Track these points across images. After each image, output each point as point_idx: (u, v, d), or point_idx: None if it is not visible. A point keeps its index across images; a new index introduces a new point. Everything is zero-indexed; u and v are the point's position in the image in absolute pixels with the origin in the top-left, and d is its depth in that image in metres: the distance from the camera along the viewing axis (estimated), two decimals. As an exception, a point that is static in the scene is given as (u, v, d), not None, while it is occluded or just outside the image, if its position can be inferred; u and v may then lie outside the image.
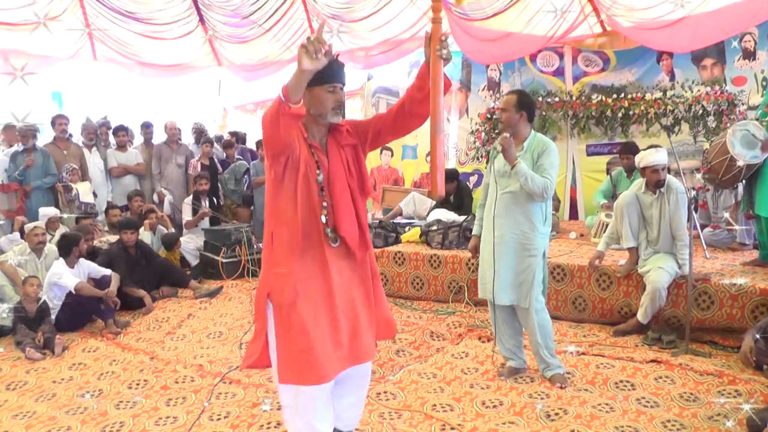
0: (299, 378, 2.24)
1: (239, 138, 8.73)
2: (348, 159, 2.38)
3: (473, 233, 3.70)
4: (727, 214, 4.98)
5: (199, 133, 8.24)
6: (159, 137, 7.78)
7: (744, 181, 4.53)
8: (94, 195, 6.80)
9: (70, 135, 7.09)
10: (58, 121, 6.85)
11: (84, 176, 6.78)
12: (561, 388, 3.35)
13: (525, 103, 3.37)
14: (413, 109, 2.35)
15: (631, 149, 5.38)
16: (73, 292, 4.72)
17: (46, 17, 7.39)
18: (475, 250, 3.64)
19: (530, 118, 3.41)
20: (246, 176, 7.50)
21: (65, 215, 6.24)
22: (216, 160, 7.74)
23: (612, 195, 5.61)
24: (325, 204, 2.32)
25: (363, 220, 2.40)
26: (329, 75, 2.26)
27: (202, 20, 8.42)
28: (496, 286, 3.38)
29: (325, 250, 2.31)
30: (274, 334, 2.31)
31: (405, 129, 2.47)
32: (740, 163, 4.23)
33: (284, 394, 2.33)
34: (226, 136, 8.71)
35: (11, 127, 6.94)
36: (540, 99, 7.05)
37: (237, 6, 8.02)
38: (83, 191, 6.56)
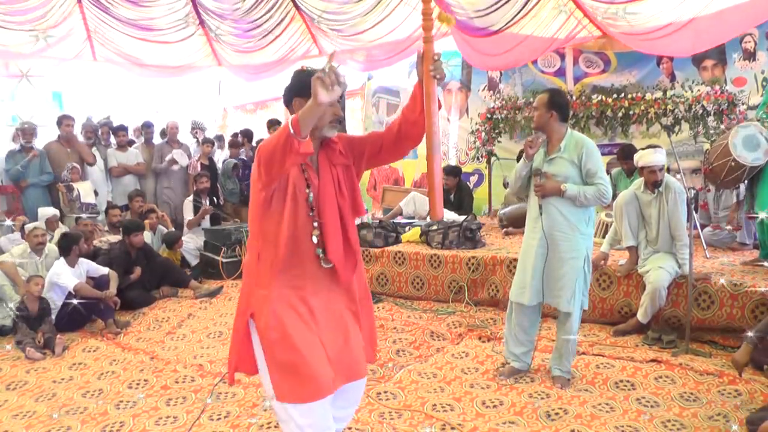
0: (297, 396, 2.14)
1: (249, 137, 8.59)
2: (339, 178, 2.25)
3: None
4: (740, 214, 4.95)
5: (196, 130, 8.21)
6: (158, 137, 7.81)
7: (746, 182, 4.53)
8: (95, 194, 6.81)
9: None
10: (65, 122, 6.88)
11: (84, 175, 6.79)
12: (560, 388, 3.35)
13: (556, 102, 3.31)
14: (408, 130, 2.26)
15: (628, 154, 5.36)
16: (73, 292, 4.72)
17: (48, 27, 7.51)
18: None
19: (563, 117, 3.33)
20: (235, 171, 7.42)
21: (67, 215, 6.27)
22: (215, 161, 7.74)
23: (612, 194, 5.60)
24: (315, 224, 2.20)
25: (353, 241, 2.29)
26: None
27: (202, 23, 8.45)
28: (536, 288, 3.35)
29: (313, 270, 2.22)
30: (261, 354, 2.20)
31: (402, 151, 2.38)
32: (747, 162, 4.23)
33: (282, 412, 2.21)
34: (234, 137, 8.60)
35: None
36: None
37: (236, 15, 8.06)
38: (84, 191, 6.57)
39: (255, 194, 2.17)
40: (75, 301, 4.69)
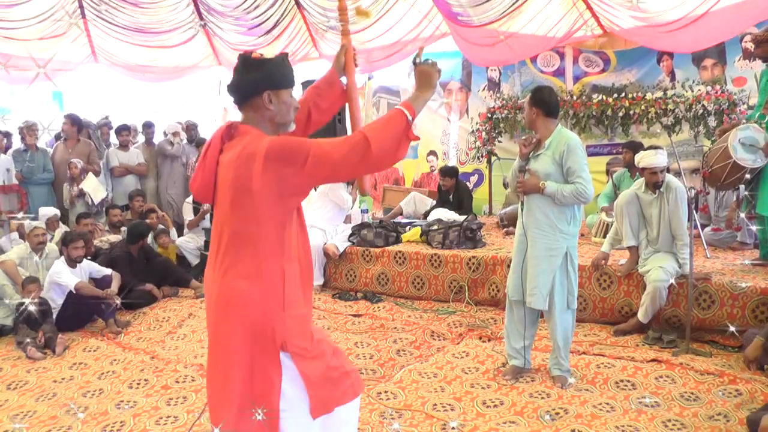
0: (353, 391, 2.05)
1: None
2: None
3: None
4: (743, 215, 4.93)
5: (190, 130, 8.18)
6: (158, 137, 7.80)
7: (746, 183, 4.52)
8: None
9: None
10: (64, 122, 6.91)
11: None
12: (561, 387, 3.35)
13: (538, 99, 3.32)
14: (319, 118, 2.27)
15: (634, 147, 5.35)
16: (74, 291, 4.72)
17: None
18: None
19: (549, 113, 3.32)
20: None
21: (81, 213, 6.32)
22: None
23: (614, 198, 5.60)
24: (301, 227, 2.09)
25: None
26: (292, 77, 2.03)
27: (203, 23, 8.45)
28: (521, 284, 3.39)
29: (308, 278, 2.11)
30: (298, 386, 1.94)
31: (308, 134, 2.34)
32: (748, 164, 4.22)
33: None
34: None
35: None
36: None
37: (238, 14, 8.07)
38: (92, 190, 6.57)
39: (275, 203, 1.86)
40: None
